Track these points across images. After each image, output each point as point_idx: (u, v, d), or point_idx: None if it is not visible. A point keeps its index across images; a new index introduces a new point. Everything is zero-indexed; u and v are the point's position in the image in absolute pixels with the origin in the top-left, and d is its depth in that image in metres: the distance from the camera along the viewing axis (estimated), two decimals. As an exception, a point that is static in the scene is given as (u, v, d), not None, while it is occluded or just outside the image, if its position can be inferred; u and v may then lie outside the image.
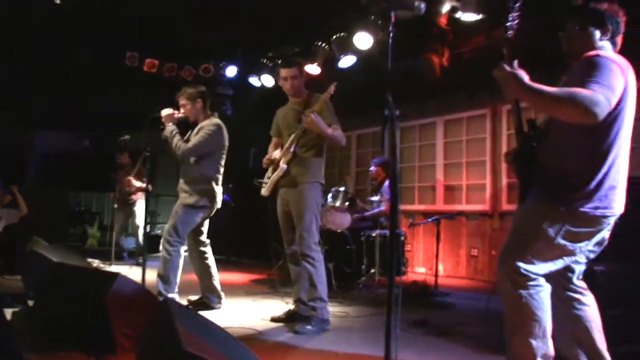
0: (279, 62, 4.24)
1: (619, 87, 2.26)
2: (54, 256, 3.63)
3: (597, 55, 2.34)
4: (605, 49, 2.45)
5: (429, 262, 7.70)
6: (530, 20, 2.78)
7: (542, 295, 2.38)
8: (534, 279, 2.37)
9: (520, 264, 2.37)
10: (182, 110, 4.53)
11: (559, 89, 2.28)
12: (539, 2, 4.56)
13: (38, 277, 3.65)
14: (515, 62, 2.39)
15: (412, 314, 4.47)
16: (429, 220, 6.13)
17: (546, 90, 2.25)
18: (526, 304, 2.35)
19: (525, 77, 2.31)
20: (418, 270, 7.89)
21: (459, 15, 5.53)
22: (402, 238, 6.19)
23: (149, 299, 2.91)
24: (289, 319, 4.10)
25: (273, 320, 4.12)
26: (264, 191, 4.22)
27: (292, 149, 4.02)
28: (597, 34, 2.47)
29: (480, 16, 5.46)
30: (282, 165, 4.04)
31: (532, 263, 2.38)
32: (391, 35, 2.47)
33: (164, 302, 2.12)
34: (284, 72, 4.12)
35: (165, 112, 4.45)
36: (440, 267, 7.39)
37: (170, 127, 4.40)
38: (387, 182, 6.55)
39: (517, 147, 2.62)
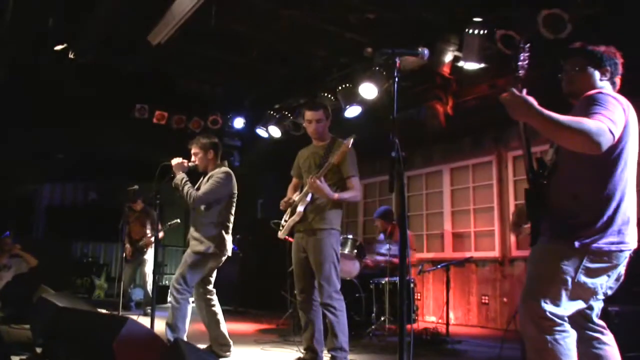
0: (305, 103, 4.29)
1: (620, 121, 2.30)
2: (61, 302, 3.62)
3: (599, 93, 2.40)
4: (606, 88, 2.50)
5: (440, 311, 7.58)
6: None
7: (568, 341, 2.32)
8: (559, 324, 2.32)
9: (545, 307, 2.32)
10: (192, 159, 4.61)
11: (567, 117, 2.28)
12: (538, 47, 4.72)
13: (45, 323, 3.63)
14: (524, 90, 2.40)
15: (423, 360, 4.40)
16: (439, 266, 6.08)
17: (554, 115, 2.26)
18: (552, 349, 2.29)
19: (534, 102, 2.30)
20: (428, 319, 7.76)
21: (462, 64, 5.65)
22: (412, 285, 6.12)
23: (159, 343, 2.89)
24: None
25: None
26: (281, 234, 4.20)
27: (308, 197, 3.99)
28: (597, 74, 2.53)
29: (482, 65, 5.58)
30: (300, 210, 4.00)
31: (556, 305, 2.34)
32: (396, 79, 2.54)
33: (175, 342, 2.10)
34: (309, 114, 4.11)
35: (176, 161, 4.51)
36: (452, 315, 7.28)
37: (180, 175, 4.46)
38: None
39: (527, 187, 2.61)
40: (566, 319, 2.35)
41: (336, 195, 3.87)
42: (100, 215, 10.41)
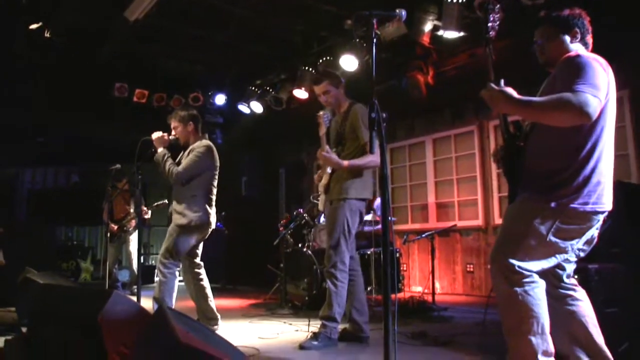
0: (315, 74, 4.35)
1: (603, 84, 2.30)
2: (44, 280, 3.59)
3: (578, 56, 2.39)
4: (580, 51, 2.50)
5: (425, 281, 7.66)
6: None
7: (538, 292, 2.36)
8: (528, 276, 2.35)
9: (514, 262, 2.36)
10: (173, 133, 4.56)
11: (548, 97, 2.30)
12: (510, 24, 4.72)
13: (29, 302, 3.60)
14: (502, 81, 2.41)
15: (411, 327, 4.46)
16: (423, 235, 6.13)
17: (536, 100, 2.29)
18: (522, 301, 2.33)
19: (513, 92, 2.35)
20: (415, 290, 7.85)
21: (441, 33, 5.62)
22: (397, 255, 6.17)
23: (145, 316, 2.87)
24: (341, 338, 3.98)
25: None
26: (320, 205, 4.25)
27: (329, 169, 4.05)
28: (567, 39, 2.54)
29: (461, 34, 5.56)
30: (323, 182, 4.10)
31: (525, 260, 2.37)
32: (374, 41, 2.52)
33: (159, 308, 2.10)
34: (315, 89, 4.20)
35: (156, 135, 4.46)
36: (437, 285, 7.37)
37: (162, 151, 4.41)
38: (377, 201, 6.57)
39: (503, 145, 2.63)
40: (534, 271, 2.38)
41: (346, 163, 3.88)
42: (83, 198, 10.32)
